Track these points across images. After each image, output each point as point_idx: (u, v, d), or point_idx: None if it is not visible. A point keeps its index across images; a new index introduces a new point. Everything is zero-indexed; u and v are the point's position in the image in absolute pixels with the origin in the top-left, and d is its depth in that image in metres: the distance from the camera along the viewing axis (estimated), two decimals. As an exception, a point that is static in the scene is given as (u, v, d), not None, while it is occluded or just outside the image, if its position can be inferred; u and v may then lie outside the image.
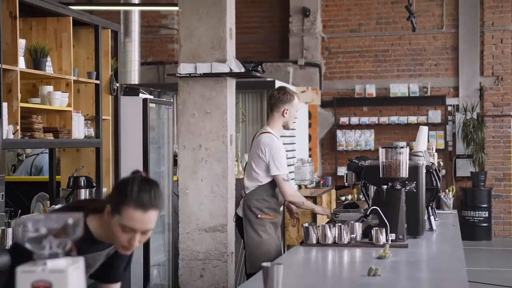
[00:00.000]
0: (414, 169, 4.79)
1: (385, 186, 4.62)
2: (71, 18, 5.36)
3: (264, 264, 2.94)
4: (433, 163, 5.89)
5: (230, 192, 5.75)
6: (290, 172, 7.85)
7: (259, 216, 5.22)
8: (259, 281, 2.98)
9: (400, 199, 4.58)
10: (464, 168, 12.84)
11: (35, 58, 4.98)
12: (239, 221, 5.37)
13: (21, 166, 8.48)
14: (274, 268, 2.91)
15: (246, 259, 5.34)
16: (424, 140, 5.86)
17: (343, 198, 11.52)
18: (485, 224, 12.51)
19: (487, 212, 12.50)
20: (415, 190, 4.78)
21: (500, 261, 10.87)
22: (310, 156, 12.22)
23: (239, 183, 7.19)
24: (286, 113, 5.28)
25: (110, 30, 6.05)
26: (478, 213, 12.47)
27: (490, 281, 8.91)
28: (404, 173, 4.62)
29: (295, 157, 10.56)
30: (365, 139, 13.11)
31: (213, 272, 5.70)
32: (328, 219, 5.66)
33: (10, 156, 9.65)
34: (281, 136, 5.44)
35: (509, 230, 12.91)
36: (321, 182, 11.10)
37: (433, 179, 5.30)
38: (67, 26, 5.35)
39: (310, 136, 12.57)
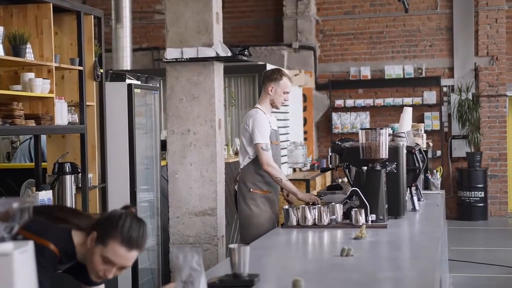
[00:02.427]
0: (394, 150, 4.80)
1: (365, 167, 4.64)
2: (51, 4, 5.34)
3: (231, 245, 2.97)
4: (417, 144, 5.90)
5: (219, 176, 5.76)
6: (283, 156, 7.87)
7: (251, 190, 5.28)
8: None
9: (380, 180, 4.59)
10: (460, 149, 12.84)
11: (14, 45, 4.98)
12: (236, 196, 5.45)
13: (18, 152, 8.47)
14: (240, 249, 2.94)
15: (239, 233, 5.43)
16: (408, 121, 5.88)
17: (339, 180, 11.52)
18: (481, 204, 12.53)
19: (483, 192, 12.51)
20: (395, 171, 4.80)
21: (497, 241, 10.88)
22: (305, 139, 12.22)
23: (229, 167, 7.22)
24: (271, 90, 5.37)
25: (92, 16, 6.05)
26: (474, 193, 12.48)
27: (486, 261, 8.93)
28: (384, 154, 4.63)
29: (288, 140, 10.56)
30: (360, 121, 13.11)
31: (204, 256, 5.65)
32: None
33: (4, 144, 9.67)
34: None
35: (505, 209, 12.92)
36: (316, 165, 11.09)
37: (415, 160, 5.31)
38: (47, 13, 5.33)
39: (305, 119, 12.57)
